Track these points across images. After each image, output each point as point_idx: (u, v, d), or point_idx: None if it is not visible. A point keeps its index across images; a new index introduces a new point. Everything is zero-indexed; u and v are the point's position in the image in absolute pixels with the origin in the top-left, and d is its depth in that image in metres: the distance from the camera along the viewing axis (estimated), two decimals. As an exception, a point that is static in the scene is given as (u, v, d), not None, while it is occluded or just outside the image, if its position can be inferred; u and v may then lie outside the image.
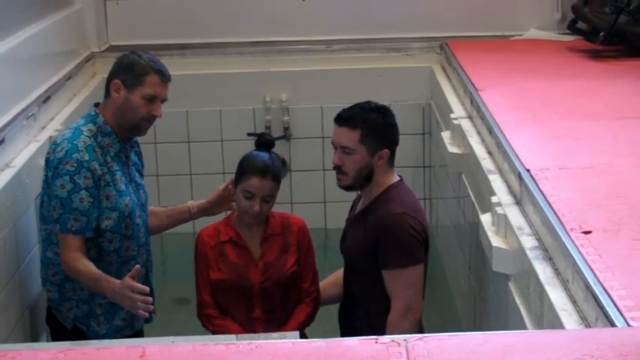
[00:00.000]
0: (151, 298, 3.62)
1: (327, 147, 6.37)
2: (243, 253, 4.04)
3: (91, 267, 3.76)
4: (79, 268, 3.77)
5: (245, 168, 3.99)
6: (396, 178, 3.92)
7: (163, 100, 3.94)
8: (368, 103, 3.93)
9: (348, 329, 4.01)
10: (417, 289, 3.82)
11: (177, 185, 6.65)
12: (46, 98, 5.19)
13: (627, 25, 5.84)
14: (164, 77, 3.92)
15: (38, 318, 4.22)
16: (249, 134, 4.91)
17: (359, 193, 4.03)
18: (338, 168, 3.88)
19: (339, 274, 4.19)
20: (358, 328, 3.87)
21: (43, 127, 5.00)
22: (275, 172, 3.98)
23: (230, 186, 4.23)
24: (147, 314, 3.67)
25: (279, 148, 4.28)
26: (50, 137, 4.69)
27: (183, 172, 6.72)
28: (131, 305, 3.62)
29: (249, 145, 4.17)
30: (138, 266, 3.67)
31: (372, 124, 3.83)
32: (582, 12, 6.07)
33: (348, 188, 3.93)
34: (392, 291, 3.80)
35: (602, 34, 5.89)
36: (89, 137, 3.86)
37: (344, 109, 3.91)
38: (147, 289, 3.63)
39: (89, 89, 5.98)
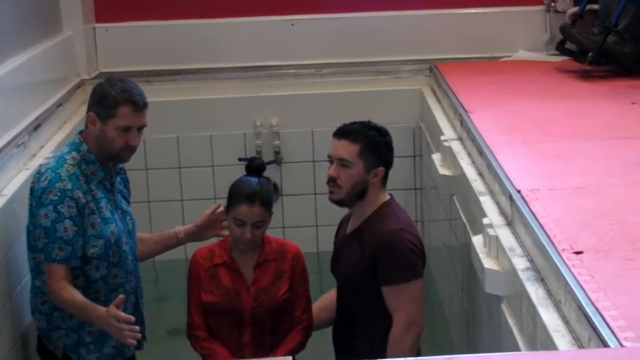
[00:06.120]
0: (137, 327, 3.58)
1: (318, 171, 6.39)
2: (235, 277, 4.03)
3: (76, 295, 3.72)
4: (65, 296, 3.72)
5: (233, 195, 3.99)
6: (387, 197, 3.95)
7: (141, 128, 3.87)
8: (368, 122, 3.98)
9: (345, 349, 4.01)
10: (419, 303, 3.86)
11: (168, 211, 6.63)
12: (36, 126, 5.19)
13: (615, 45, 5.86)
14: (137, 106, 3.82)
15: (30, 347, 4.19)
16: (240, 159, 4.90)
17: (348, 212, 4.03)
18: (333, 181, 3.88)
19: (328, 297, 4.19)
20: (358, 347, 3.88)
21: (34, 155, 4.99)
22: (263, 197, 3.97)
23: (218, 209, 4.22)
24: (134, 342, 3.63)
25: (270, 173, 4.27)
26: (41, 165, 4.69)
27: (174, 198, 6.70)
28: (118, 334, 3.59)
29: (240, 170, 4.16)
30: (121, 296, 3.62)
31: (371, 140, 3.88)
32: (570, 33, 6.09)
33: (339, 202, 3.93)
34: (394, 306, 3.82)
35: (590, 54, 5.91)
36: (72, 166, 3.83)
37: (344, 124, 3.95)
38: (132, 318, 3.58)
39: (79, 116, 5.95)
